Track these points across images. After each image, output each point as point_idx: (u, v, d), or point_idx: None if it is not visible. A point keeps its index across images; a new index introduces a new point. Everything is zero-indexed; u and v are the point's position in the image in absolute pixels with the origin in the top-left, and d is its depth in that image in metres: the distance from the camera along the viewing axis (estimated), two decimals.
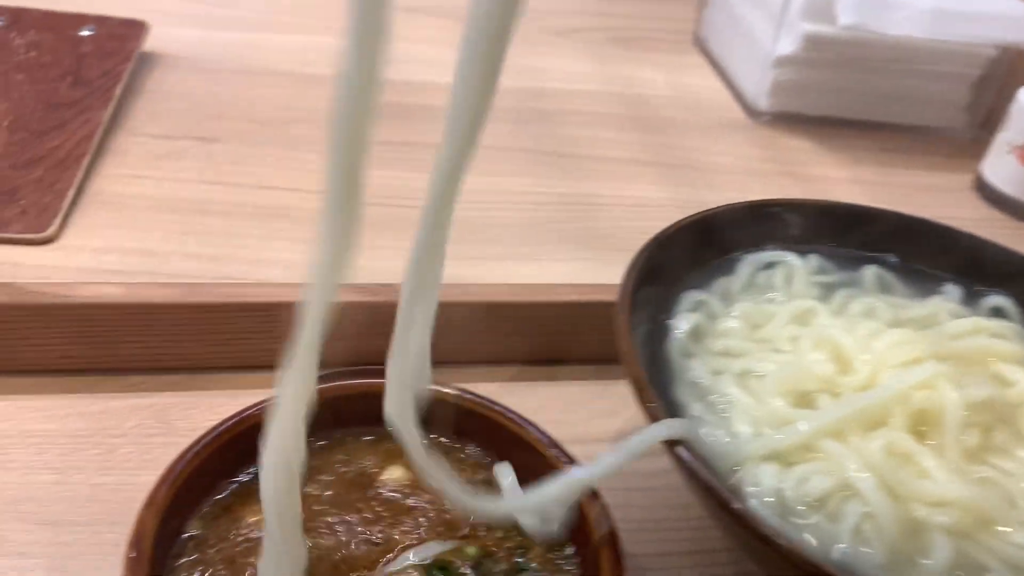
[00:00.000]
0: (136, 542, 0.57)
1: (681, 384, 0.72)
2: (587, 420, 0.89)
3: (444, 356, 0.93)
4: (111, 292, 0.83)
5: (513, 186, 1.14)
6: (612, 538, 0.62)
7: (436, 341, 0.93)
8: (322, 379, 0.72)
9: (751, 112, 1.37)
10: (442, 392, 0.71)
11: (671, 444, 0.61)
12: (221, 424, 0.65)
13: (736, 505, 0.57)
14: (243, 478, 0.66)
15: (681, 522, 0.81)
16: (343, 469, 0.69)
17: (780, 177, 1.21)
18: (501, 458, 0.70)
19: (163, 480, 0.60)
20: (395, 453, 0.70)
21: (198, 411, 0.83)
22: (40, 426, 0.80)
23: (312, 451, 0.68)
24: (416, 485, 0.68)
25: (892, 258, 0.89)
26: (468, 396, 0.71)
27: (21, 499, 0.74)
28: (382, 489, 0.68)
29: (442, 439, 0.72)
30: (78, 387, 0.83)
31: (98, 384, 0.84)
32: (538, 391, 0.92)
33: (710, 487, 0.59)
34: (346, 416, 0.71)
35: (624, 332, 0.68)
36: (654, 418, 0.63)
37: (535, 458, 0.68)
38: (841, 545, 0.61)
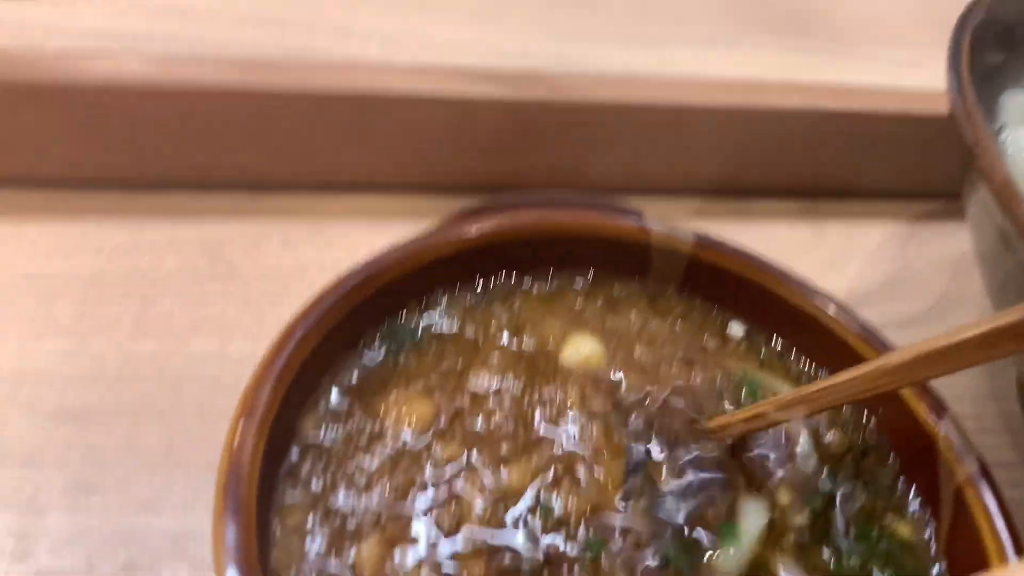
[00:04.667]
0: (232, 480, 0.33)
1: None
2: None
3: (602, 179, 0.68)
4: (135, 71, 0.55)
5: None
6: (985, 477, 0.39)
7: (591, 158, 0.68)
8: (465, 215, 0.47)
9: None
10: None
11: None
12: (344, 281, 0.40)
13: None
14: (372, 354, 0.42)
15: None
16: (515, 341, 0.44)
17: None
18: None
19: (265, 373, 0.36)
20: (580, 314, 0.46)
21: (268, 247, 0.58)
22: (44, 266, 0.54)
23: (468, 310, 0.44)
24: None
25: None
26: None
27: (24, 378, 0.49)
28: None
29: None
30: (95, 208, 0.58)
31: (123, 204, 0.58)
32: (728, 232, 0.66)
33: None
34: (507, 260, 0.46)
35: (983, 136, 0.42)
36: None
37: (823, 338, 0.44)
38: None
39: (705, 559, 0.37)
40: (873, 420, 0.44)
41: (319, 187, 0.60)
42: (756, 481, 0.40)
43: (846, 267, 0.66)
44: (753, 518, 0.39)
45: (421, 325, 0.44)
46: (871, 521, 0.40)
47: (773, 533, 0.39)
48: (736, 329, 0.47)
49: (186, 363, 0.51)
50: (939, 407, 0.41)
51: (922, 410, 0.41)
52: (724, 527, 0.38)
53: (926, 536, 0.40)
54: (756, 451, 0.41)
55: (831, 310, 0.44)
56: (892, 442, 0.43)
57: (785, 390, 0.45)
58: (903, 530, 0.40)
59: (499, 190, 0.61)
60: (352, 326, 0.40)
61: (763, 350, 0.47)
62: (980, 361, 0.34)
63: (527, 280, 0.47)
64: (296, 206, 0.60)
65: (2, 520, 0.44)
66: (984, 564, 0.37)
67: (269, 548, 0.34)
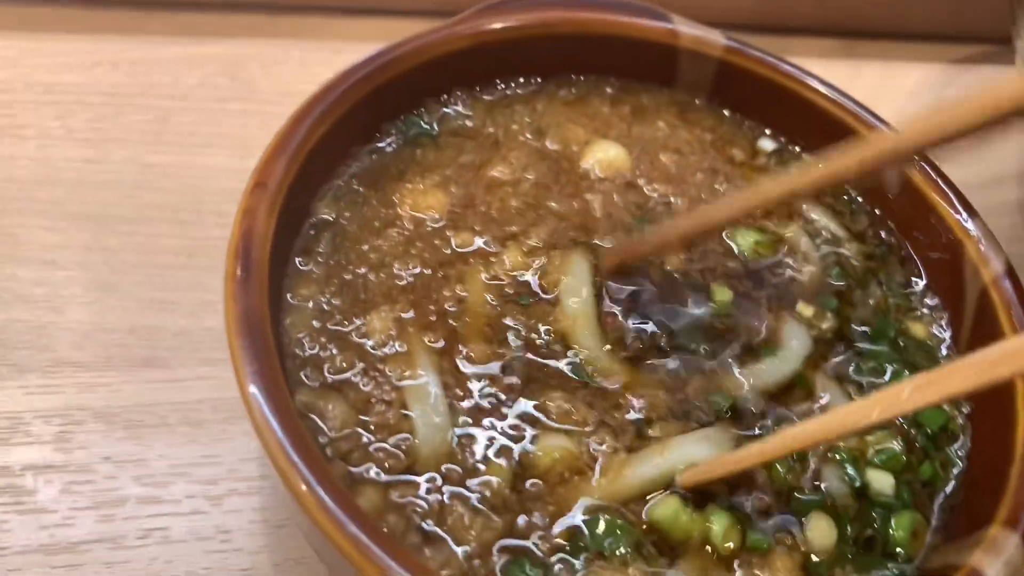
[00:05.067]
0: (245, 243, 0.32)
1: None
2: None
3: None
4: None
5: None
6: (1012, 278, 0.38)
7: None
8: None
9: None
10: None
11: None
12: (364, 64, 0.39)
13: None
14: (388, 146, 0.41)
15: None
16: (537, 143, 0.43)
17: None
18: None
19: (279, 147, 0.35)
20: (605, 121, 0.45)
21: (287, 67, 0.57)
22: (61, 78, 0.54)
23: (488, 109, 0.43)
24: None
25: None
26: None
27: (41, 182, 0.49)
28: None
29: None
30: (112, 24, 0.57)
31: (141, 22, 0.57)
32: None
33: None
34: (530, 61, 0.45)
35: None
36: None
37: None
38: None
39: (739, 372, 0.37)
40: (886, 216, 0.43)
41: (336, 10, 0.59)
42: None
43: (882, 108, 0.63)
44: (798, 340, 0.38)
45: (439, 121, 0.43)
46: (888, 320, 0.40)
47: (814, 354, 0.38)
48: (766, 143, 0.46)
49: (206, 176, 0.51)
50: (967, 207, 0.39)
51: (944, 208, 0.40)
52: (765, 349, 0.38)
53: (943, 336, 0.39)
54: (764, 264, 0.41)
55: (861, 113, 0.43)
56: (911, 242, 0.42)
57: (806, 209, 0.44)
58: (918, 330, 0.40)
59: None
60: (370, 113, 0.40)
61: (790, 166, 0.45)
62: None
63: (551, 85, 0.45)
64: (314, 29, 0.58)
65: (22, 315, 0.45)
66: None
67: (282, 314, 0.34)
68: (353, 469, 0.32)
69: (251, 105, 0.54)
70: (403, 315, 0.35)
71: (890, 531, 0.33)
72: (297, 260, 0.36)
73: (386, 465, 0.32)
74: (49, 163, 0.50)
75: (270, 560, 0.39)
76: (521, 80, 0.44)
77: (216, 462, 0.41)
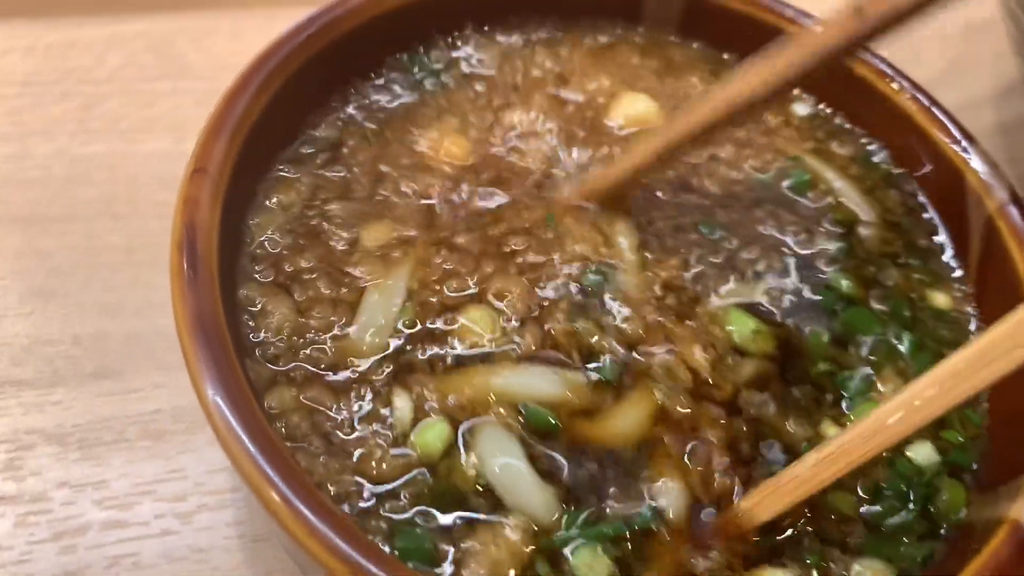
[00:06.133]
0: (187, 241, 0.29)
1: None
2: None
3: None
4: None
5: None
6: (1017, 205, 0.36)
7: None
8: None
9: None
10: None
11: None
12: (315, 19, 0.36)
13: None
14: (392, 83, 0.39)
15: None
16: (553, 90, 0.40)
17: None
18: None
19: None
20: (633, 72, 0.42)
21: (217, 40, 0.53)
22: None
23: (505, 52, 0.40)
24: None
25: None
26: None
27: None
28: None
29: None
30: (22, 5, 0.52)
31: (54, 1, 0.52)
32: None
33: None
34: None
35: None
36: None
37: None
38: None
39: None
40: (887, 153, 0.41)
41: None
42: None
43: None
44: None
45: (448, 61, 0.40)
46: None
47: None
48: (799, 108, 0.43)
49: (140, 163, 0.47)
50: (966, 136, 0.37)
51: (942, 140, 0.37)
52: None
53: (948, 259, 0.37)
54: None
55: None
56: (912, 175, 0.40)
57: (836, 184, 0.40)
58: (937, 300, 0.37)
59: None
60: (367, 45, 0.37)
61: (822, 131, 0.42)
62: None
63: (575, 28, 0.43)
64: (243, 1, 0.54)
65: None
66: (1015, 291, 0.34)
67: (237, 318, 0.31)
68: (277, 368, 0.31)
69: (183, 83, 0.50)
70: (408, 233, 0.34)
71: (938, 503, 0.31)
72: (280, 169, 0.36)
73: (318, 362, 0.31)
74: None
75: None
76: (545, 22, 0.42)
77: (182, 476, 0.38)
